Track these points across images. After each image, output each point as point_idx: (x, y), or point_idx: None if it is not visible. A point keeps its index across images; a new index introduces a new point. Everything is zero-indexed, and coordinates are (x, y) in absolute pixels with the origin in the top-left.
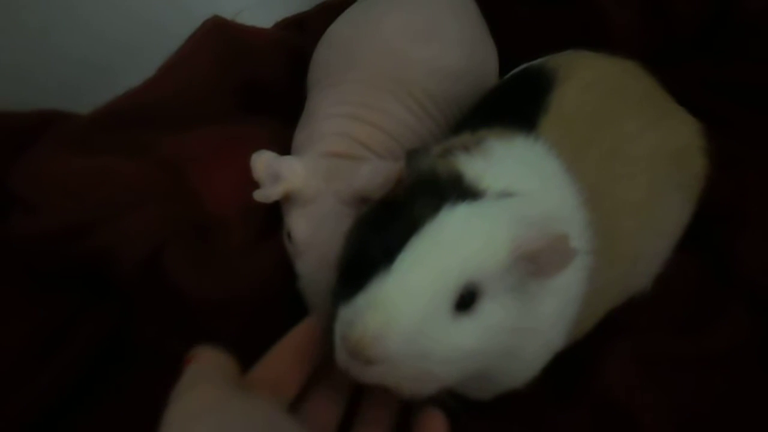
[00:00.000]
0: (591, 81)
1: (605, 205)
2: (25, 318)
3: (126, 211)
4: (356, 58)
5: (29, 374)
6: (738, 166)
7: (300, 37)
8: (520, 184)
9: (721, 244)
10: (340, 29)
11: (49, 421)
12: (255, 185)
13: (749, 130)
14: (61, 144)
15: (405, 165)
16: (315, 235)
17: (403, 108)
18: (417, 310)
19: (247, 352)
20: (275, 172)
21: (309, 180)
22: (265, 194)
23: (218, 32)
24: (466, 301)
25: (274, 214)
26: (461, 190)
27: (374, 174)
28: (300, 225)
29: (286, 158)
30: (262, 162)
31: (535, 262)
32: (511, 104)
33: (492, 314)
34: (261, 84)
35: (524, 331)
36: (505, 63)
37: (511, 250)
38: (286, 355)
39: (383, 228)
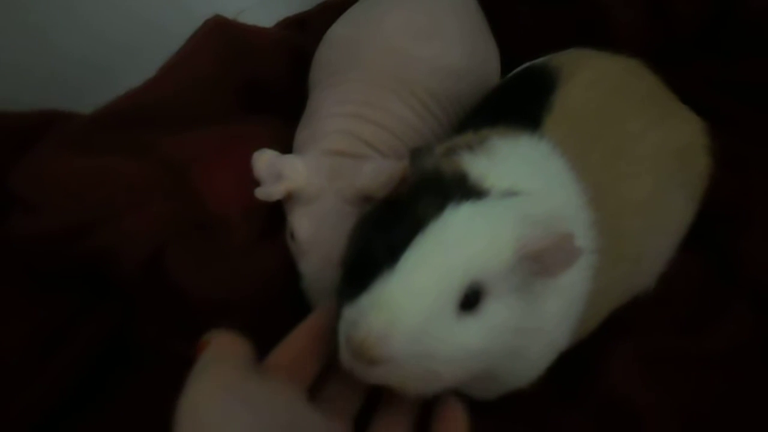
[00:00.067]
0: (595, 79)
1: (609, 203)
2: (26, 318)
3: (127, 211)
4: (358, 57)
5: (30, 375)
6: (742, 165)
7: (301, 37)
8: (524, 183)
9: (725, 243)
10: (341, 29)
11: (51, 422)
12: (257, 184)
13: (753, 128)
14: (61, 144)
15: (408, 164)
16: (318, 234)
17: (405, 107)
18: (421, 310)
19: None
20: (277, 171)
21: (311, 178)
22: (267, 193)
23: (219, 32)
24: (471, 300)
25: (277, 213)
26: (465, 189)
27: (377, 173)
28: (303, 224)
29: (288, 157)
30: (264, 161)
31: (539, 262)
32: (514, 103)
33: (497, 314)
34: (262, 83)
35: (529, 331)
36: (507, 62)
37: (516, 249)
38: (302, 341)
39: (387, 227)
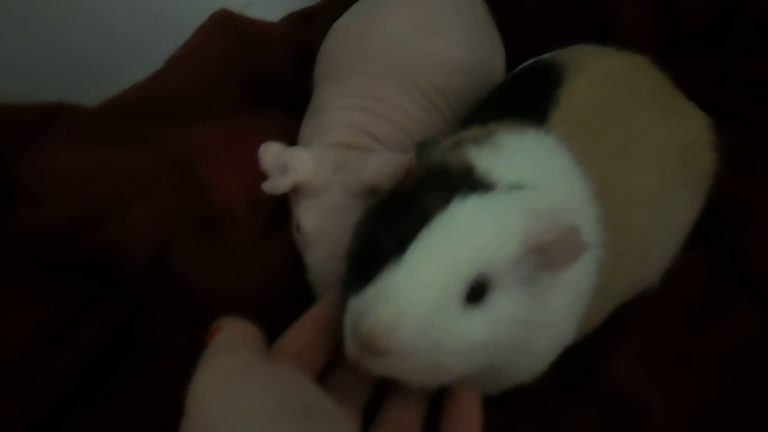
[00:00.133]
0: (601, 75)
1: (614, 199)
2: (32, 311)
3: (133, 204)
4: (364, 51)
5: (38, 366)
6: (748, 162)
7: (307, 31)
8: (530, 177)
9: (730, 240)
10: (347, 23)
11: (58, 414)
12: (263, 178)
13: (759, 125)
14: (68, 136)
15: (415, 157)
16: (324, 227)
17: (411, 101)
18: (428, 302)
19: None
20: (283, 164)
21: (317, 171)
22: (274, 186)
23: (225, 25)
24: (477, 293)
25: (283, 206)
26: (472, 182)
27: (383, 165)
28: (309, 216)
29: (295, 149)
30: (271, 153)
31: (545, 255)
32: (521, 98)
33: (502, 307)
34: (268, 77)
35: (534, 325)
36: (512, 58)
37: (522, 242)
38: (310, 329)
39: (393, 219)
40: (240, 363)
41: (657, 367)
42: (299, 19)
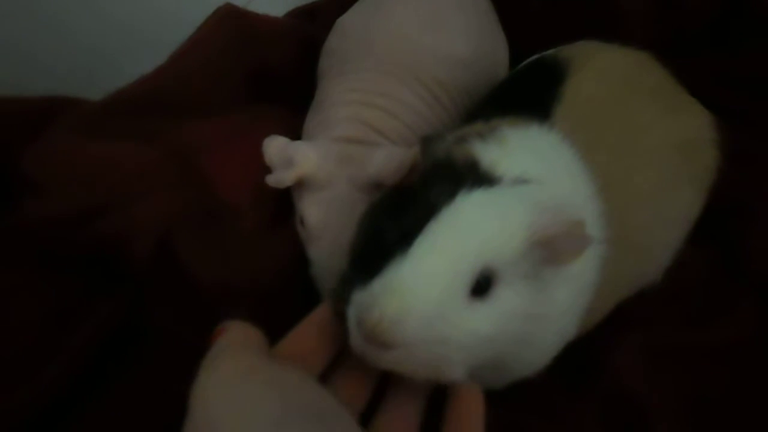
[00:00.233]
0: (604, 71)
1: (617, 194)
2: (36, 302)
3: (137, 196)
4: (369, 46)
5: (41, 358)
6: (750, 159)
7: (311, 26)
8: (534, 172)
9: (732, 237)
10: (352, 18)
11: (62, 406)
12: (267, 171)
13: (762, 123)
14: (72, 129)
15: (419, 151)
16: (327, 221)
17: (414, 96)
18: (434, 295)
19: None
20: (288, 158)
21: (322, 165)
22: (278, 179)
23: (230, 20)
24: (482, 286)
25: (286, 200)
26: (477, 176)
27: (388, 160)
28: (312, 210)
29: (299, 143)
30: (275, 147)
31: (550, 249)
32: (524, 94)
33: (507, 300)
34: (272, 72)
35: (538, 318)
36: (516, 54)
37: (527, 235)
38: (312, 331)
39: (399, 213)
40: (244, 364)
41: (658, 362)
42: (303, 14)
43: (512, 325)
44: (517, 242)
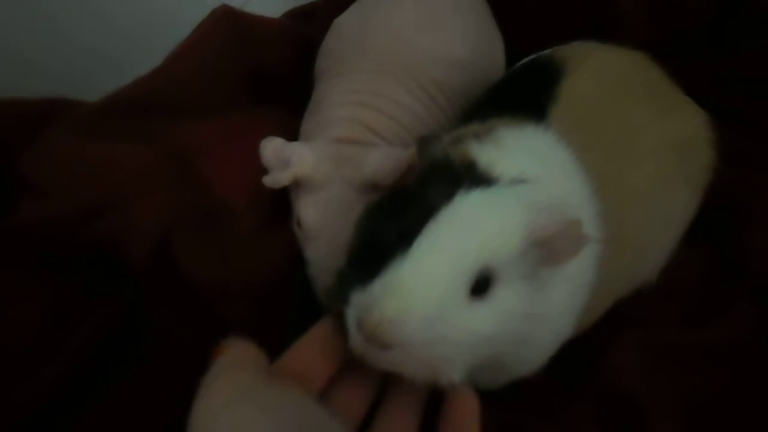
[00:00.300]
0: (600, 71)
1: (613, 194)
2: (35, 303)
3: (135, 198)
4: (366, 47)
5: (40, 358)
6: (746, 159)
7: (308, 27)
8: (531, 172)
9: (728, 236)
10: (349, 19)
11: (61, 405)
12: (264, 172)
13: (758, 122)
14: (70, 131)
15: (416, 152)
16: (324, 221)
17: (411, 97)
18: (434, 295)
19: (257, 338)
20: (284, 158)
21: (318, 166)
22: (275, 180)
23: (226, 21)
24: (481, 286)
25: (284, 200)
26: (474, 177)
27: (384, 160)
28: (309, 211)
29: (295, 144)
30: (272, 148)
31: (547, 248)
32: (520, 94)
33: (506, 300)
34: (269, 73)
35: (535, 318)
36: (512, 54)
37: (525, 235)
38: (313, 346)
39: (397, 214)
40: (243, 385)
41: (655, 362)
42: (300, 15)
43: (511, 325)
44: (516, 242)
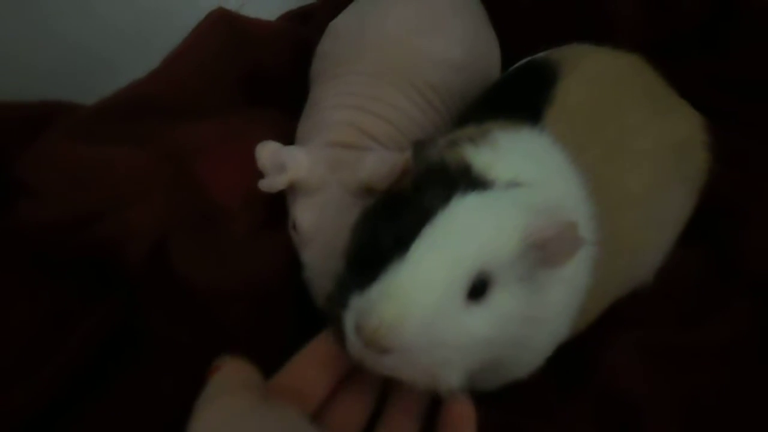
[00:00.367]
0: (595, 74)
1: (608, 197)
2: (31, 306)
3: (131, 201)
4: (361, 50)
5: (36, 361)
6: (741, 160)
7: (304, 29)
8: (527, 175)
9: (724, 237)
10: (345, 21)
11: (57, 408)
12: (260, 175)
13: (752, 124)
14: (67, 134)
15: (411, 156)
16: (320, 225)
17: (407, 100)
18: (432, 299)
19: (252, 341)
20: (280, 162)
21: (313, 170)
22: (270, 184)
23: (222, 23)
24: (479, 289)
25: (281, 203)
26: (470, 180)
27: (379, 164)
28: (305, 215)
29: (291, 148)
30: (267, 152)
31: (544, 251)
32: (515, 97)
33: (503, 303)
34: (265, 75)
35: (532, 320)
36: (507, 56)
37: (522, 238)
38: (310, 363)
39: (393, 218)
40: (237, 406)
41: (651, 362)
42: (296, 17)
43: (509, 327)
44: (512, 245)
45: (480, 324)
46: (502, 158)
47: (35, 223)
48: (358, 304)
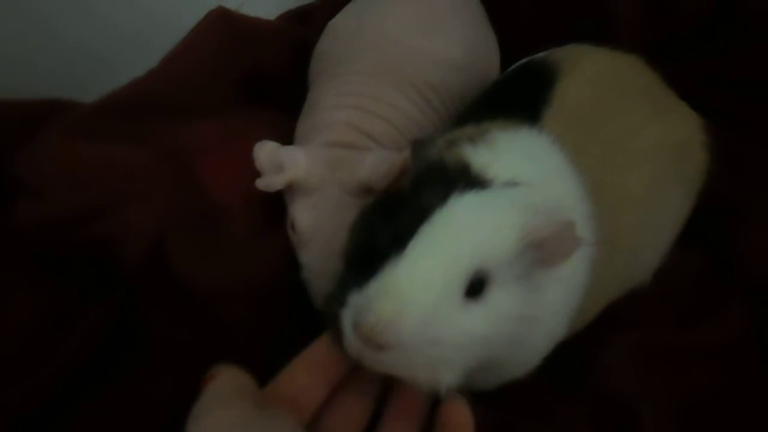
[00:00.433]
0: (594, 75)
1: (606, 197)
2: (30, 304)
3: (130, 200)
4: (360, 49)
5: (36, 359)
6: (739, 161)
7: (303, 29)
8: (525, 175)
9: (722, 238)
10: (344, 20)
11: (56, 406)
12: (259, 175)
13: (750, 124)
14: (66, 132)
15: (410, 155)
16: (318, 225)
17: (406, 100)
18: (430, 297)
19: (251, 341)
20: (278, 162)
21: (312, 170)
22: (268, 184)
23: (222, 23)
24: (476, 288)
25: (280, 202)
26: (469, 179)
27: (378, 164)
28: (303, 215)
29: (289, 148)
30: (265, 152)
31: (541, 250)
32: (514, 97)
33: (500, 302)
34: (264, 75)
35: (530, 319)
36: (506, 56)
37: (520, 237)
38: (306, 371)
39: (392, 217)
40: (232, 416)
41: (648, 363)
42: (296, 16)
43: (506, 326)
44: (510, 244)
45: (477, 322)
46: (500, 158)
47: (35, 221)
48: (355, 302)
